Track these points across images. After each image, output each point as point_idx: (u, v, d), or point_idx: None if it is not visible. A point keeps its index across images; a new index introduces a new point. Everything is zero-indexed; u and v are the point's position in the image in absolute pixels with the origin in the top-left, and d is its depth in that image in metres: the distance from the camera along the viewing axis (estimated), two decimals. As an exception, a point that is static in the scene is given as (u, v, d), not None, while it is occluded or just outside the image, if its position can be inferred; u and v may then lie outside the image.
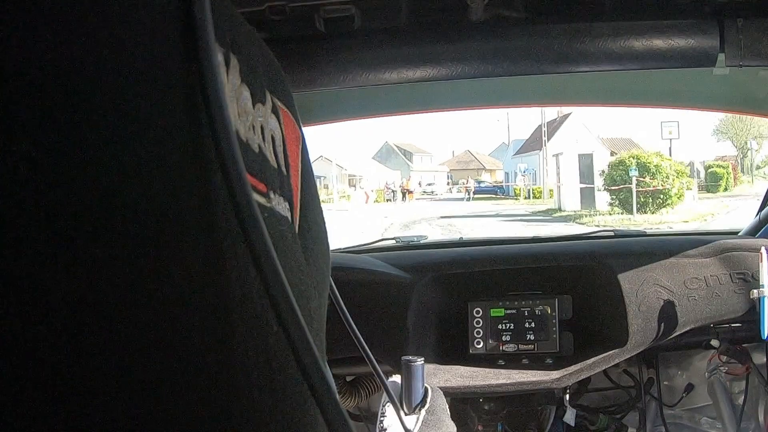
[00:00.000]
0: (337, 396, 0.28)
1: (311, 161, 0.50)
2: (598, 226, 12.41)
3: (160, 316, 0.26)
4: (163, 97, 0.28)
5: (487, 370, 1.51)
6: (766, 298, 1.41)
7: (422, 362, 0.82)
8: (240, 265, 0.31)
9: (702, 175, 28.26)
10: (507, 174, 42.70)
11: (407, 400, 0.81)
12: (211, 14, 0.29)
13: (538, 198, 31.08)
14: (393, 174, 41.62)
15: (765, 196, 1.77)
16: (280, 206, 0.39)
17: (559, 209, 20.08)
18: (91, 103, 0.24)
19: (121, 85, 0.25)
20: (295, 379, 0.33)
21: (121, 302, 0.24)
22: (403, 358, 0.83)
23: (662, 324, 1.48)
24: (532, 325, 1.54)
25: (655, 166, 16.51)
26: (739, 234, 1.78)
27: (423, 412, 0.80)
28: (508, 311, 1.55)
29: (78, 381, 0.23)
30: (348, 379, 1.66)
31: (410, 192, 35.84)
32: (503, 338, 1.55)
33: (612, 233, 1.90)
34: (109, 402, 0.23)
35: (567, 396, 1.62)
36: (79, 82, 0.23)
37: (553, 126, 33.95)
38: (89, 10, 0.24)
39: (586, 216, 17.22)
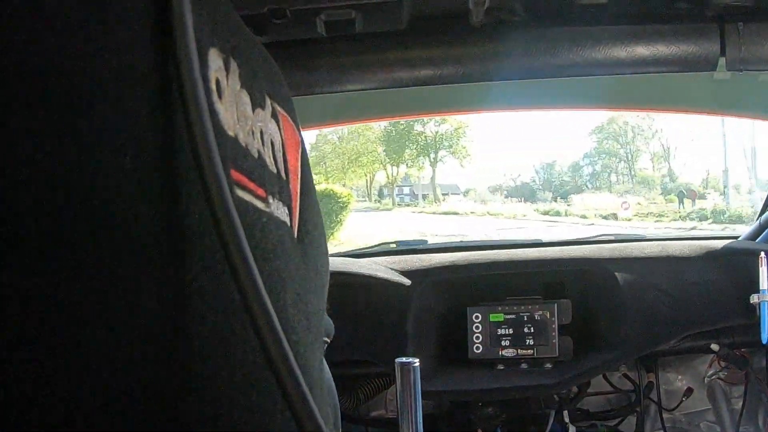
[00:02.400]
0: (314, 407, 0.27)
1: None
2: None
3: (162, 316, 0.26)
4: (138, 96, 0.27)
5: (487, 374, 1.51)
6: (766, 303, 1.41)
7: (417, 363, 0.81)
8: (211, 264, 0.30)
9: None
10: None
11: (403, 401, 0.80)
12: (189, 12, 0.28)
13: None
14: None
15: (765, 202, 1.77)
16: (279, 211, 0.39)
17: None
18: (65, 103, 0.23)
19: (96, 84, 0.25)
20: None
21: (122, 301, 0.24)
22: (398, 360, 0.82)
23: (662, 328, 1.47)
24: (532, 329, 1.54)
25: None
26: (739, 239, 1.78)
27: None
28: (508, 316, 1.55)
29: (76, 381, 0.23)
30: (347, 381, 1.66)
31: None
32: (502, 343, 1.55)
33: (612, 237, 1.90)
34: (108, 401, 0.24)
35: (566, 413, 1.60)
36: (57, 83, 0.23)
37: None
38: (67, 13, 0.24)
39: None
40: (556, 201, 23.10)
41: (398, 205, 25.29)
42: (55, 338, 0.22)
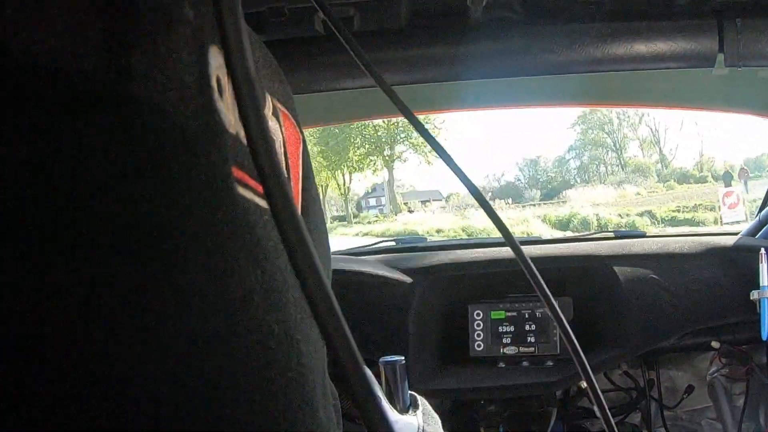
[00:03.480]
0: (383, 407, 0.26)
1: None
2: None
3: (163, 317, 0.26)
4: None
5: (488, 372, 1.51)
6: (766, 300, 1.41)
7: (403, 361, 0.79)
8: (241, 266, 0.30)
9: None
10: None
11: (392, 401, 0.79)
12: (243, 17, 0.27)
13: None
14: None
15: (765, 197, 1.77)
16: None
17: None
18: (64, 104, 0.24)
19: (95, 85, 0.25)
20: (296, 382, 0.33)
21: (123, 303, 0.24)
22: (381, 359, 0.79)
23: (662, 325, 1.47)
24: (533, 327, 1.54)
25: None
26: (739, 235, 1.78)
27: (419, 413, 0.77)
28: (509, 313, 1.55)
29: (78, 382, 0.23)
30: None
31: None
32: (504, 340, 1.55)
33: (612, 234, 1.90)
34: (109, 402, 0.23)
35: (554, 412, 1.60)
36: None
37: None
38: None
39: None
40: (545, 201, 20.11)
41: (366, 221, 19.40)
42: (54, 340, 0.22)
